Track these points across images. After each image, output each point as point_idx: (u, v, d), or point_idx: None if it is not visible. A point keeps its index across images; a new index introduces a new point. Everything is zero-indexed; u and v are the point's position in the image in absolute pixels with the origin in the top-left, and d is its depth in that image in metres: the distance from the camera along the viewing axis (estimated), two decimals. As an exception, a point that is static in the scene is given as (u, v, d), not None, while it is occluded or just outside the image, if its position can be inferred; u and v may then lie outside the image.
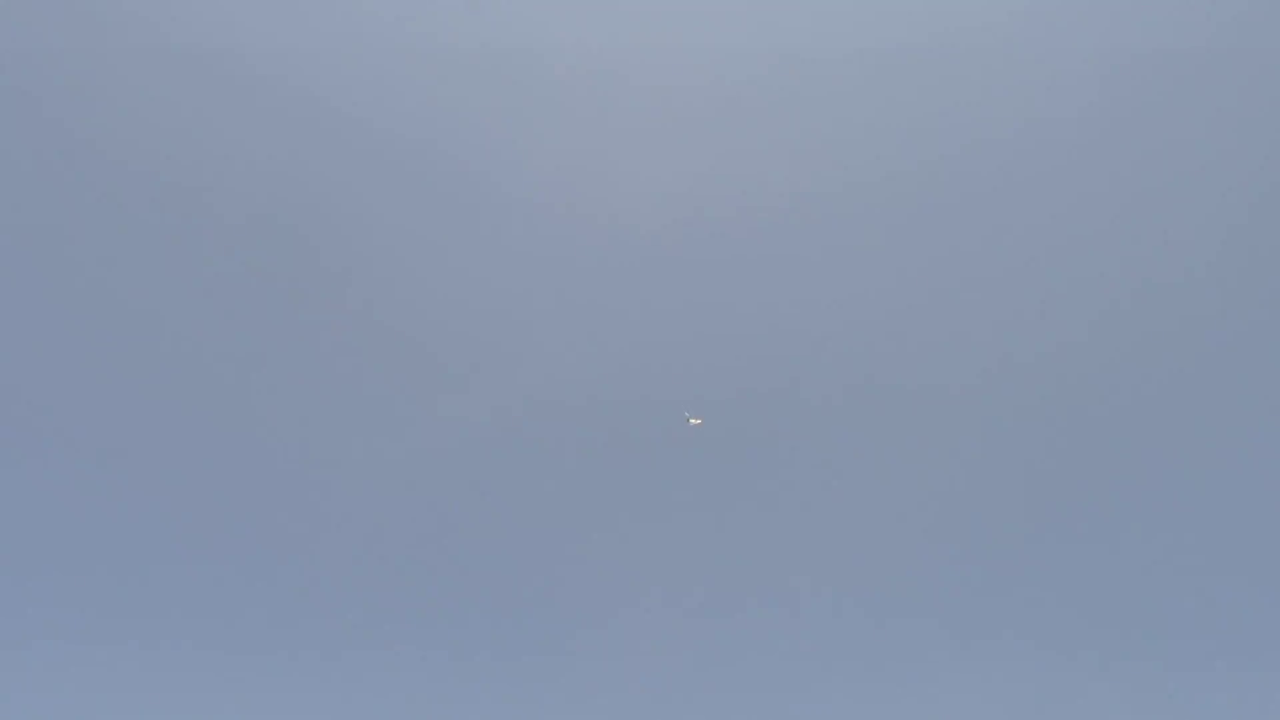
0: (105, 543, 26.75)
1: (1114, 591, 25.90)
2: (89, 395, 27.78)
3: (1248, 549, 26.32)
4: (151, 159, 28.90)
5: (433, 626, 26.19)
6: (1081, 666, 25.17)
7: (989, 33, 29.04)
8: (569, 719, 25.54)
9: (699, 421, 24.52)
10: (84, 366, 27.88)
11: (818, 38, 28.60)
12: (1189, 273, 28.89)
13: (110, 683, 25.30)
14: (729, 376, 27.54)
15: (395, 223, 29.37)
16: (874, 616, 25.52)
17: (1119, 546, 26.29)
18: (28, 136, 28.85)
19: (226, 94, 28.41)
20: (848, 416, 27.40)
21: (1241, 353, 28.26)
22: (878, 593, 25.80)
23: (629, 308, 28.51)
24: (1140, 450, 27.11)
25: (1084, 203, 29.46)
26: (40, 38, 27.93)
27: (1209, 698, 24.61)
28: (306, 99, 28.49)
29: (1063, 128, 29.35)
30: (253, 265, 28.58)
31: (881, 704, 24.70)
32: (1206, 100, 29.53)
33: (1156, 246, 29.09)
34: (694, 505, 26.75)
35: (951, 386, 27.87)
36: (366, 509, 27.38)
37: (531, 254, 28.75)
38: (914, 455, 27.21)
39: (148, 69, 28.54)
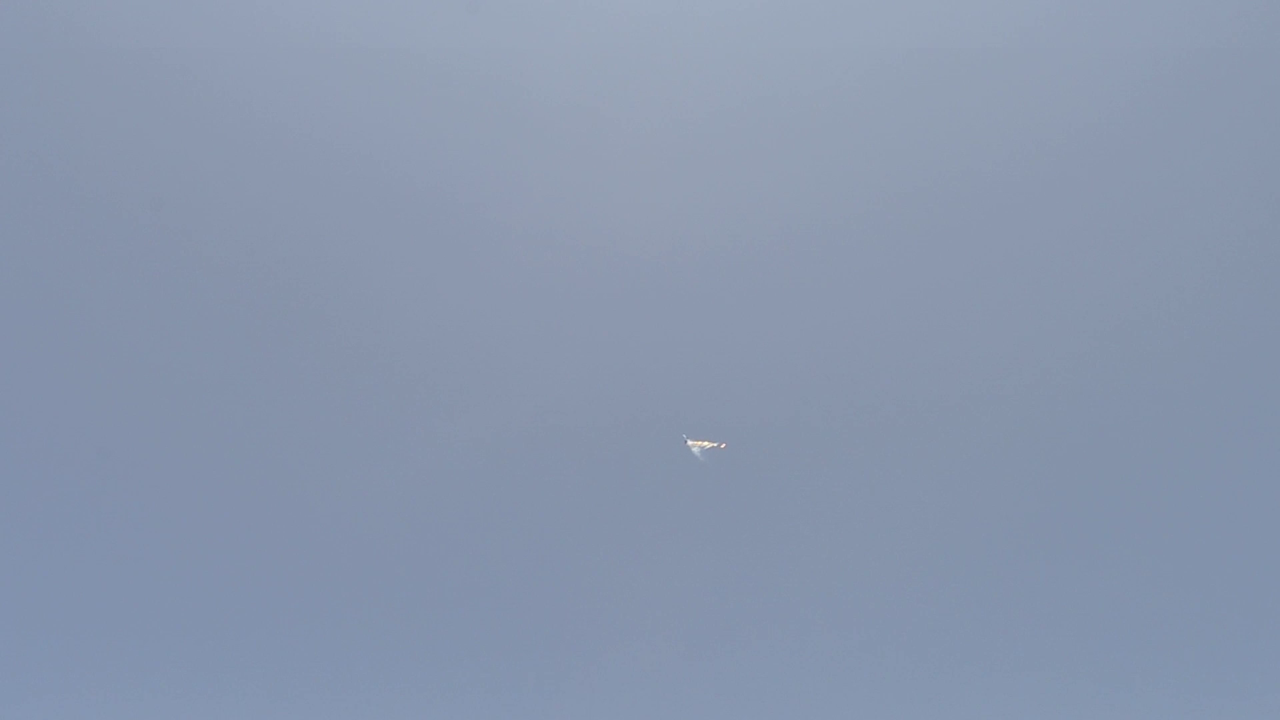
0: (117, 565, 26.91)
1: (1122, 609, 25.90)
2: (96, 421, 27.92)
3: (1253, 559, 26.31)
4: (156, 184, 29.09)
5: (436, 646, 26.18)
6: (1092, 682, 25.16)
7: (991, 43, 29.11)
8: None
9: (712, 445, 23.74)
10: (92, 393, 28.06)
11: (815, 54, 28.70)
12: (1191, 284, 28.82)
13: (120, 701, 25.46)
14: (732, 395, 27.51)
15: (398, 246, 29.49)
16: (880, 634, 25.52)
17: (1126, 563, 26.30)
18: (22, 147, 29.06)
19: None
20: (852, 434, 27.38)
21: (1246, 363, 28.22)
22: (885, 611, 25.79)
23: (633, 328, 28.54)
24: (1151, 463, 27.09)
25: (1089, 215, 29.46)
26: (30, 47, 28.14)
27: (1212, 707, 24.63)
28: (316, 125, 28.67)
29: (1061, 142, 29.30)
30: (258, 291, 28.68)
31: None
32: (1211, 105, 29.49)
33: (1161, 256, 29.08)
34: (699, 523, 26.72)
35: (959, 402, 27.84)
36: (372, 529, 27.45)
37: (536, 277, 28.86)
38: (921, 472, 27.20)
39: (140, 80, 28.70)
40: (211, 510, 27.64)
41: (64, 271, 28.80)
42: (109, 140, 29.51)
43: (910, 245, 28.91)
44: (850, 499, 26.69)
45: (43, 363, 27.92)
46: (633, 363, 28.26)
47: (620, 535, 27.21)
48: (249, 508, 27.77)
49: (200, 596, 26.81)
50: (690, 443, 24.70)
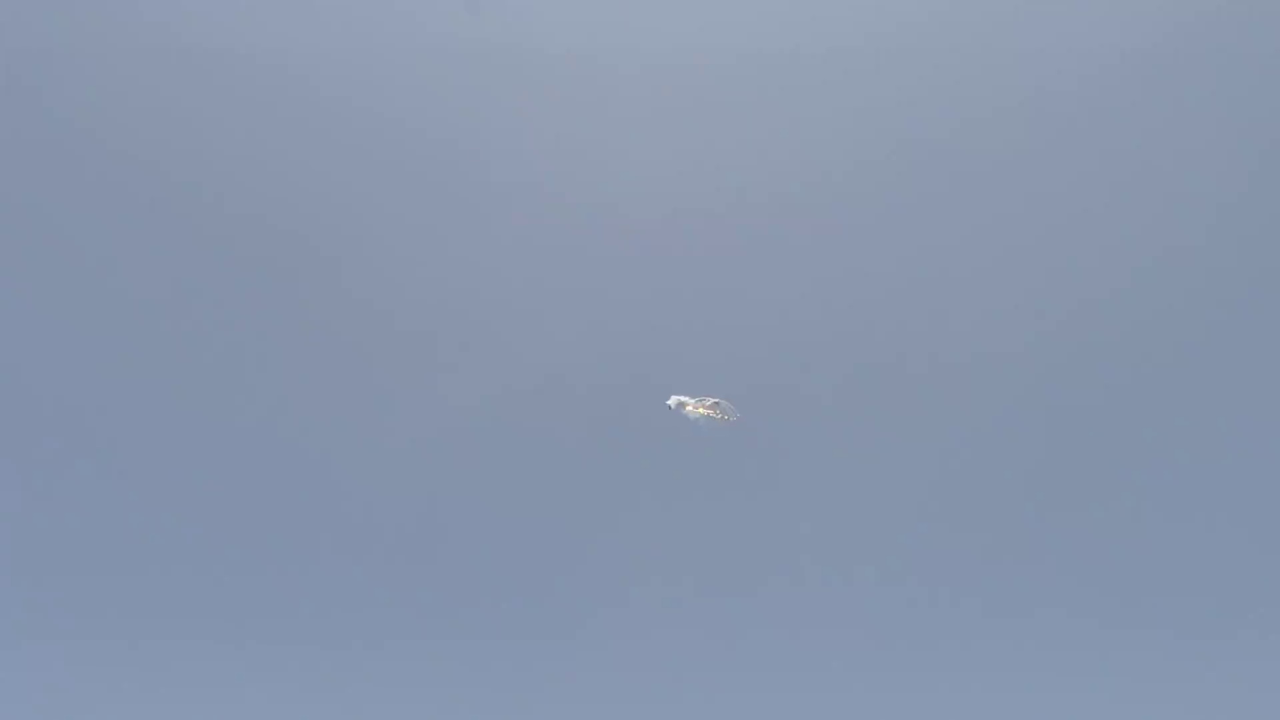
0: (94, 539, 26.53)
1: (1127, 587, 25.74)
2: (78, 385, 27.47)
3: (1256, 538, 26.20)
4: (133, 148, 28.55)
5: (433, 620, 25.98)
6: (1094, 661, 25.06)
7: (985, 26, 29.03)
8: (572, 711, 25.41)
9: (711, 410, 18.99)
10: (73, 357, 27.58)
11: (816, 30, 28.49)
12: (1189, 262, 28.78)
13: (103, 684, 25.14)
14: (732, 366, 27.37)
15: (389, 210, 29.20)
16: (888, 605, 25.41)
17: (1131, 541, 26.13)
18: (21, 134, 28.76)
19: (216, 85, 28.12)
20: (853, 406, 27.19)
21: (1242, 341, 28.13)
22: (891, 582, 25.68)
23: (631, 297, 28.24)
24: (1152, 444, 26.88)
25: (1084, 195, 29.39)
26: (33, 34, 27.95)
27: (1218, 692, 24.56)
28: (291, 86, 28.11)
29: (1061, 123, 29.26)
30: (243, 254, 28.24)
31: (895, 697, 24.58)
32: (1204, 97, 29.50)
33: (1157, 236, 28.98)
34: (697, 493, 26.50)
35: (955, 378, 27.73)
36: (363, 500, 27.14)
37: (532, 240, 28.53)
38: (922, 445, 27.05)
39: (132, 62, 28.39)
40: (188, 479, 27.40)
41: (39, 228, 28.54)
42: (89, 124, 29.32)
43: (922, 213, 28.76)
44: (857, 474, 26.60)
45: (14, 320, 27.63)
46: (630, 331, 28.01)
47: (614, 507, 27.08)
48: (225, 478, 27.49)
49: (183, 571, 26.66)
50: (677, 400, 18.15)
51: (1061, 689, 24.48)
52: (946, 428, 27.77)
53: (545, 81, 29.30)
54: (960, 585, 26.08)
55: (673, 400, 18.28)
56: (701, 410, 17.51)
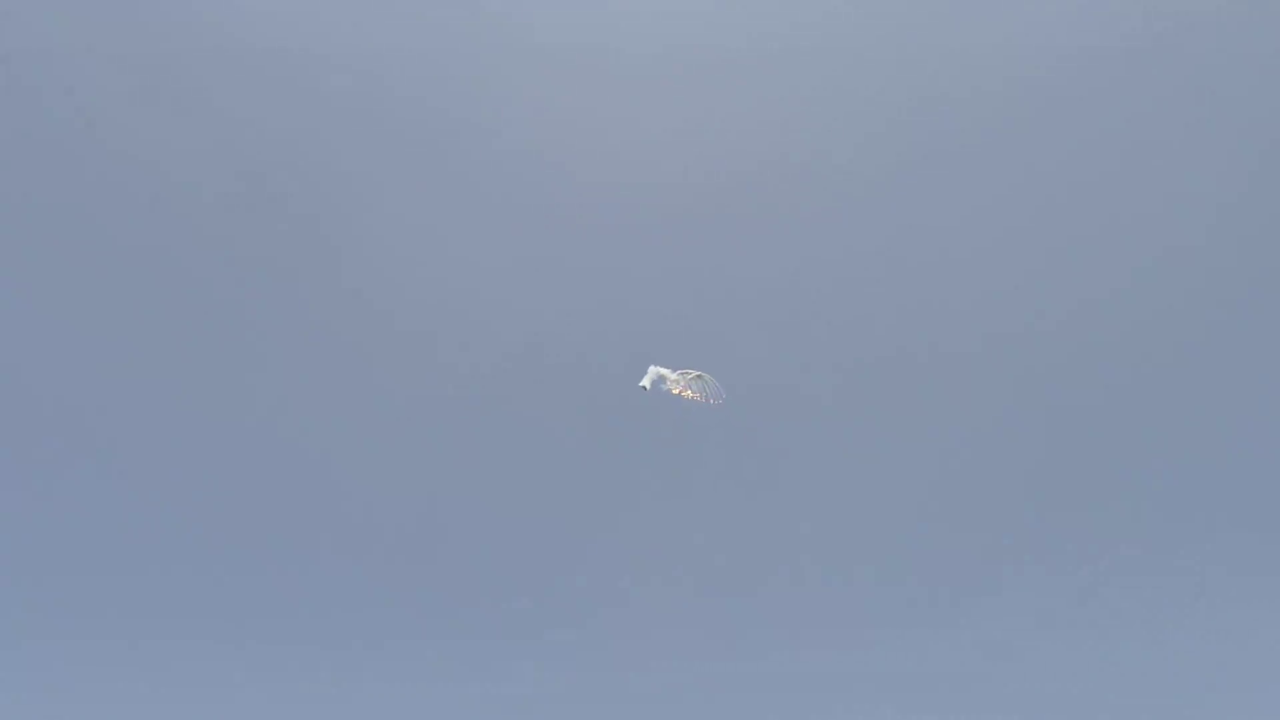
0: (87, 537, 26.41)
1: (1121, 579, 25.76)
2: (74, 383, 27.35)
3: (1257, 537, 26.15)
4: (127, 144, 28.25)
5: (430, 619, 25.93)
6: (1094, 660, 25.03)
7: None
8: (571, 710, 25.41)
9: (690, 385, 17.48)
10: (68, 355, 27.41)
11: (819, 20, 28.27)
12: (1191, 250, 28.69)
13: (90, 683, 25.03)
14: (735, 366, 27.23)
15: (384, 208, 28.98)
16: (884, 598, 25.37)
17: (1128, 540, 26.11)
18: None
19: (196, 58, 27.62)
20: (854, 405, 27.09)
21: (1243, 340, 28.05)
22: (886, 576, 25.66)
23: (632, 295, 28.07)
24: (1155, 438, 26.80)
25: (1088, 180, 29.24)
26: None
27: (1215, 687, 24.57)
28: (284, 83, 27.84)
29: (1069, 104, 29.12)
30: (237, 251, 27.96)
31: (894, 687, 24.55)
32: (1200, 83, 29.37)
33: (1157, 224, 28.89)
34: (697, 492, 26.45)
35: (956, 376, 27.63)
36: (361, 499, 27.03)
37: (530, 238, 28.36)
38: (924, 443, 26.95)
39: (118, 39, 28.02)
40: (167, 473, 27.20)
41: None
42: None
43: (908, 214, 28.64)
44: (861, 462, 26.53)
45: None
46: (621, 319, 27.81)
47: (608, 499, 26.94)
48: (206, 474, 27.28)
49: (156, 562, 26.48)
50: (657, 373, 17.00)
51: (1062, 688, 24.53)
52: (948, 426, 27.77)
53: (537, 75, 29.20)
54: (960, 585, 26.10)
55: (648, 378, 16.49)
56: (687, 393, 15.93)
